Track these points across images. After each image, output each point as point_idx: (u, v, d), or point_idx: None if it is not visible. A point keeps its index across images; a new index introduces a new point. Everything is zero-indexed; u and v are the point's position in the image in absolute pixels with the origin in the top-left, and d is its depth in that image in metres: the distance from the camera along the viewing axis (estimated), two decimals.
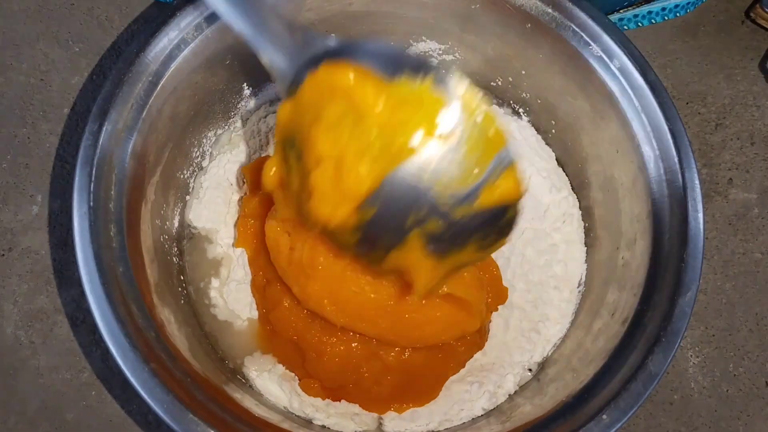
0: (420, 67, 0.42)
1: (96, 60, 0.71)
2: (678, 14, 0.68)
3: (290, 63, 0.45)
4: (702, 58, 0.74)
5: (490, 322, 0.60)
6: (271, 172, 0.48)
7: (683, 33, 0.75)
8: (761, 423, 0.64)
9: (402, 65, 0.42)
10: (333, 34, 0.47)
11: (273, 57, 0.45)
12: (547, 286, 0.61)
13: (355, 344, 0.57)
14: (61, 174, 0.68)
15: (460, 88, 0.42)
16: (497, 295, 0.60)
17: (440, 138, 0.42)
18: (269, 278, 0.59)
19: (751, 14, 0.74)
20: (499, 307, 0.60)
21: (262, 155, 0.63)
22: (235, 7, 0.44)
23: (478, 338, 0.58)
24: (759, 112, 0.72)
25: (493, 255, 0.61)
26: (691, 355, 0.65)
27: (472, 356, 0.59)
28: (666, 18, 0.68)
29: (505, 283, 0.61)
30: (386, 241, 0.45)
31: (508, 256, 0.61)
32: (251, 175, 0.60)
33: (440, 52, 0.65)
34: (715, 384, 0.65)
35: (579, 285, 0.61)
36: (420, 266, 0.46)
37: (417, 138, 0.41)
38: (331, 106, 0.43)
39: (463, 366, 0.59)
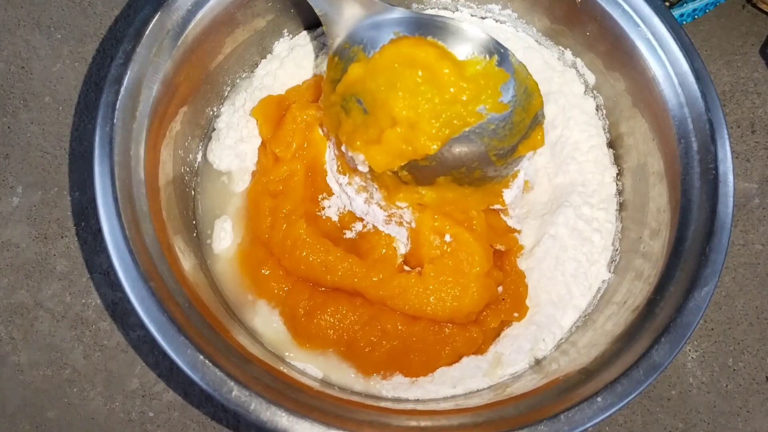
0: (485, 47, 0.52)
1: (78, 47, 0.69)
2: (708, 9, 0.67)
3: (344, 19, 0.54)
4: (702, 43, 0.72)
5: (497, 335, 0.58)
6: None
7: None
8: (761, 419, 0.62)
9: (471, 46, 0.53)
10: (395, 6, 0.54)
11: (327, 8, 0.53)
12: (576, 271, 0.59)
13: (347, 309, 0.56)
14: (42, 164, 0.66)
15: (515, 64, 0.53)
16: (514, 308, 0.58)
17: (500, 105, 0.53)
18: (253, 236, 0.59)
19: None
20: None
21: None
22: None
23: (480, 338, 0.57)
24: (760, 99, 0.70)
25: (523, 231, 0.60)
26: (690, 350, 0.64)
27: (468, 354, 0.57)
28: (708, 10, 0.68)
29: (529, 264, 0.59)
30: (426, 180, 0.55)
31: (537, 238, 0.60)
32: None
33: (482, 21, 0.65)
34: (714, 379, 0.63)
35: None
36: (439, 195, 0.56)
37: (483, 107, 0.52)
38: (410, 76, 0.52)
39: (458, 360, 0.57)
